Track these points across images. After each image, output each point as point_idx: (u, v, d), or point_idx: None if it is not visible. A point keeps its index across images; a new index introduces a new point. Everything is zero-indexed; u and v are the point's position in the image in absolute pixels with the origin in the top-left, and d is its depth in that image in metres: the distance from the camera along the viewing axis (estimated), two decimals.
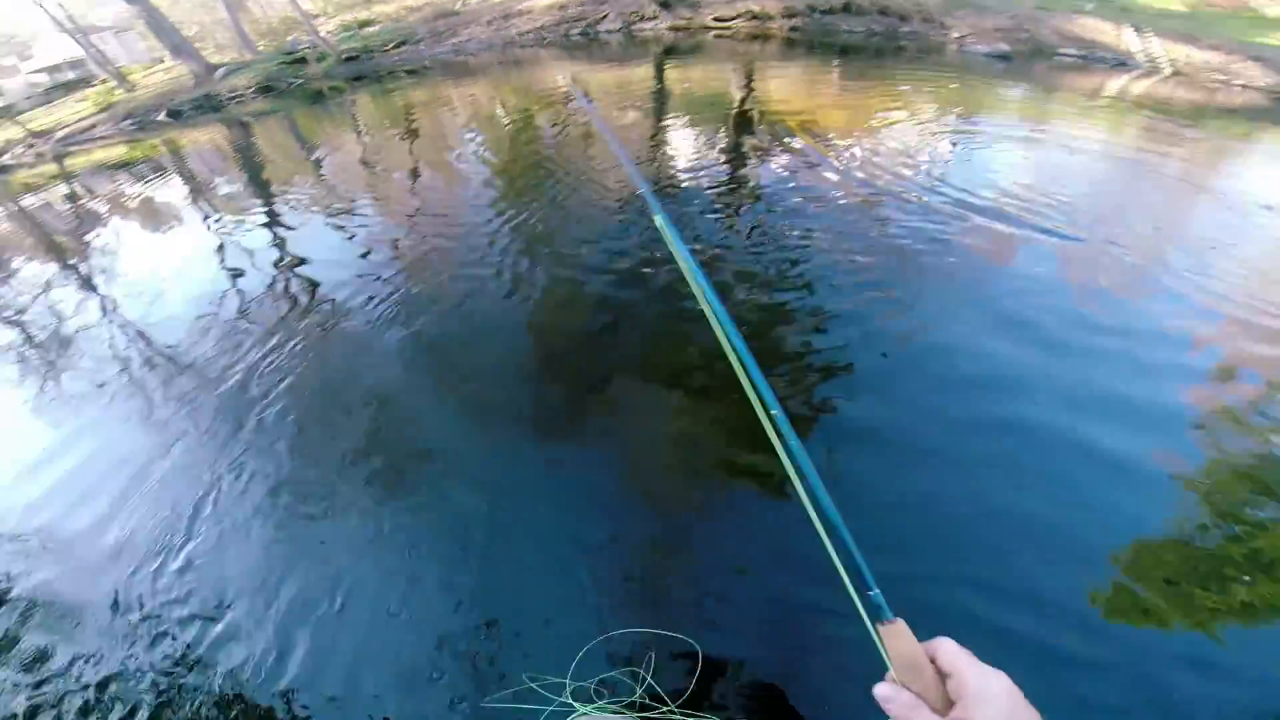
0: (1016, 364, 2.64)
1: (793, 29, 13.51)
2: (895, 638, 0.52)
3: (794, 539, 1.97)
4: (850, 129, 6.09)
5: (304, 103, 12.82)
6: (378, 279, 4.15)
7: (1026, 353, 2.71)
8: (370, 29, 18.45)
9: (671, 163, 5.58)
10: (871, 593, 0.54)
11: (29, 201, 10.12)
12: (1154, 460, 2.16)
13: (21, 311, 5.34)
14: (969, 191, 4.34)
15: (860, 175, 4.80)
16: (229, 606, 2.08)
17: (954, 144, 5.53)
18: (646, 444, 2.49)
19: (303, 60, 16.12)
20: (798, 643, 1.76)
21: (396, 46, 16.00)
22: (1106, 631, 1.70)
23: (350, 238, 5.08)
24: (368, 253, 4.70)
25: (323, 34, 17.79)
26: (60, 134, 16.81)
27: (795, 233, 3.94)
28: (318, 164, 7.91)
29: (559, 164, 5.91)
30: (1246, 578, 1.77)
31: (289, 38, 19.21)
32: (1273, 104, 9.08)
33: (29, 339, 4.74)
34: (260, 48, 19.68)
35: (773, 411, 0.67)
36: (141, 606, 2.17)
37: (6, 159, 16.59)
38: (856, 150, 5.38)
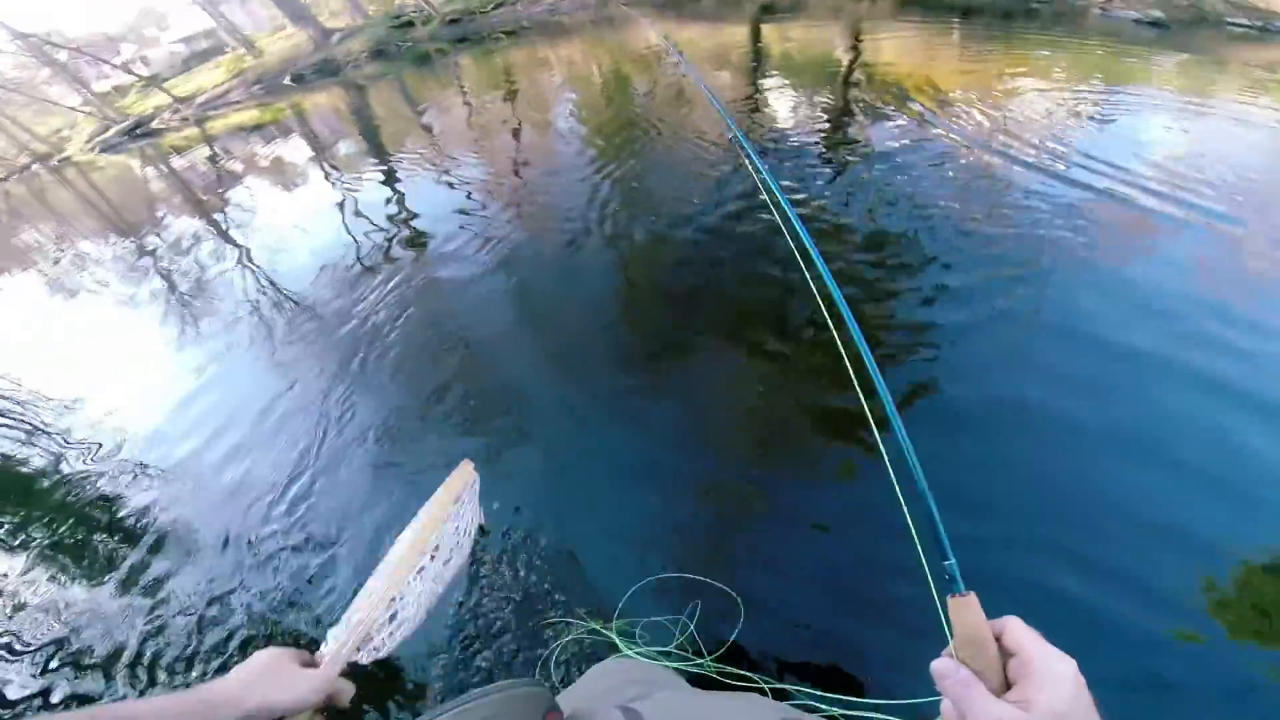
0: (1151, 352, 2.41)
1: None
2: (963, 611, 0.50)
3: (871, 499, 1.92)
4: (971, 93, 5.62)
5: (412, 65, 13.40)
6: (479, 232, 4.39)
7: (1164, 342, 2.46)
8: None
9: (770, 123, 5.44)
10: (947, 562, 0.52)
11: (177, 163, 11.31)
12: None
13: (169, 260, 6.10)
14: (1109, 164, 3.90)
15: (981, 141, 4.46)
16: (334, 541, 2.31)
17: (1093, 113, 4.95)
18: (729, 395, 2.54)
19: (410, 24, 16.76)
20: (854, 609, 1.72)
21: (495, 8, 16.27)
22: (1206, 633, 1.57)
23: (455, 193, 5.36)
24: (471, 207, 4.95)
25: None
26: (200, 99, 18.49)
27: (906, 197, 3.75)
28: (426, 124, 8.32)
29: (653, 121, 5.92)
30: None
31: (396, 2, 19.95)
32: None
33: (174, 285, 5.43)
34: (370, 12, 20.56)
35: (867, 369, 0.64)
36: (253, 538, 2.42)
37: (156, 124, 18.49)
38: (978, 115, 5.00)
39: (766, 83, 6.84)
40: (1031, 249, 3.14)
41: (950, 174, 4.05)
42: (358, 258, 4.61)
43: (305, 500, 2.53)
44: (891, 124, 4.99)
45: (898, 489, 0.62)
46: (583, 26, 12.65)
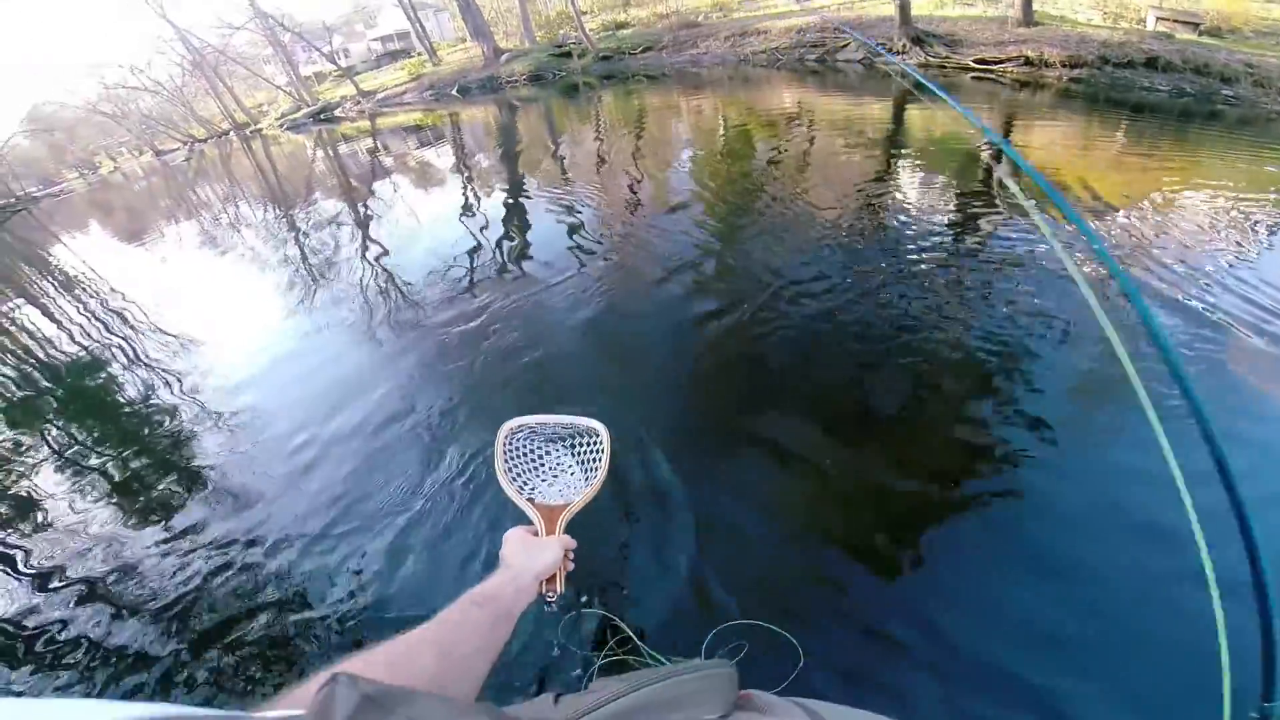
0: None
1: (1074, 80, 11.65)
2: None
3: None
4: (1123, 199, 5.07)
5: (561, 94, 14.17)
6: (586, 265, 4.41)
7: None
8: (625, 31, 19.73)
9: (889, 204, 5.14)
10: (1271, 705, 0.49)
11: (343, 149, 12.55)
12: None
13: (307, 235, 6.68)
14: (1262, 297, 3.36)
15: (1120, 254, 3.99)
16: (374, 529, 2.27)
17: (1262, 236, 4.35)
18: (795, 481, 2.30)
19: (568, 54, 17.80)
20: None
21: (643, 51, 16.93)
22: None
23: (571, 222, 5.46)
24: (584, 240, 5.01)
25: (588, 31, 19.43)
26: (380, 95, 20.56)
27: (1013, 305, 3.36)
28: (561, 152, 8.68)
29: (773, 186, 5.79)
30: None
31: (560, 32, 21.31)
32: None
33: (305, 257, 5.92)
34: (538, 38, 22.08)
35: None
36: (327, 511, 2.45)
37: (339, 111, 20.73)
38: (1127, 226, 4.49)
39: (899, 162, 6.51)
40: None
41: (1071, 285, 3.57)
42: (471, 266, 4.81)
43: (347, 480, 2.59)
44: (1017, 226, 4.54)
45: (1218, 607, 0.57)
46: (719, 81, 12.79)
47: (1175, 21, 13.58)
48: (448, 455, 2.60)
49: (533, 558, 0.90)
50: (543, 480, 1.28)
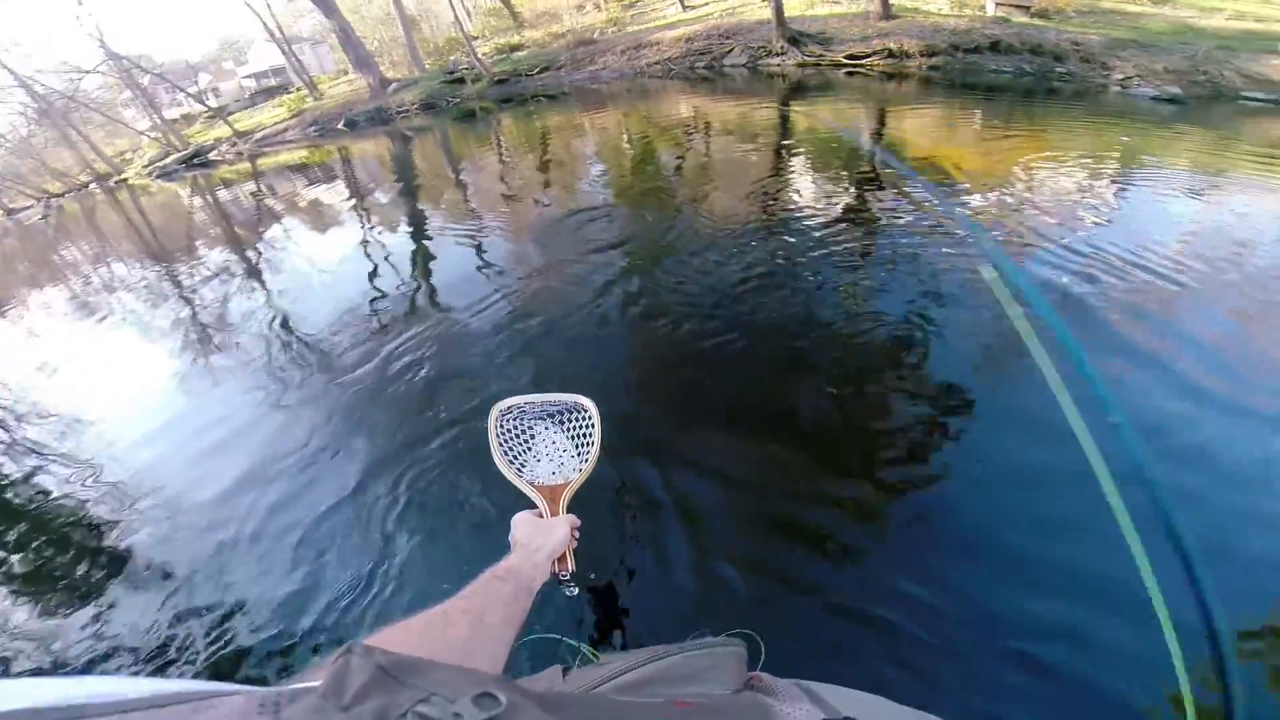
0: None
1: (932, 68, 12.80)
2: None
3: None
4: (990, 175, 5.66)
5: (457, 121, 13.94)
6: (499, 295, 4.35)
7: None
8: (519, 54, 19.72)
9: (787, 199, 5.44)
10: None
11: (223, 194, 11.77)
12: None
13: (194, 290, 6.22)
14: (1122, 248, 3.88)
15: (996, 225, 4.43)
16: (321, 586, 2.22)
17: (1110, 196, 4.99)
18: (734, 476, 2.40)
19: (461, 80, 17.53)
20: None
21: (540, 71, 16.98)
22: None
23: (480, 252, 5.39)
24: (494, 268, 4.96)
25: (480, 55, 19.25)
26: (258, 135, 19.40)
27: (915, 283, 3.67)
28: (461, 180, 8.53)
29: (680, 193, 5.98)
30: None
31: (451, 58, 20.97)
32: None
33: (195, 315, 5.51)
34: (427, 66, 21.63)
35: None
36: (236, 565, 2.38)
37: (213, 155, 19.39)
38: (993, 198, 5.00)
39: (789, 160, 6.89)
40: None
41: (961, 255, 3.95)
42: (377, 307, 4.62)
43: (278, 539, 2.47)
44: (904, 209, 4.93)
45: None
46: (619, 95, 13.06)
47: (1011, 5, 15.21)
48: (389, 503, 2.52)
49: (544, 537, 0.93)
50: (538, 460, 1.30)
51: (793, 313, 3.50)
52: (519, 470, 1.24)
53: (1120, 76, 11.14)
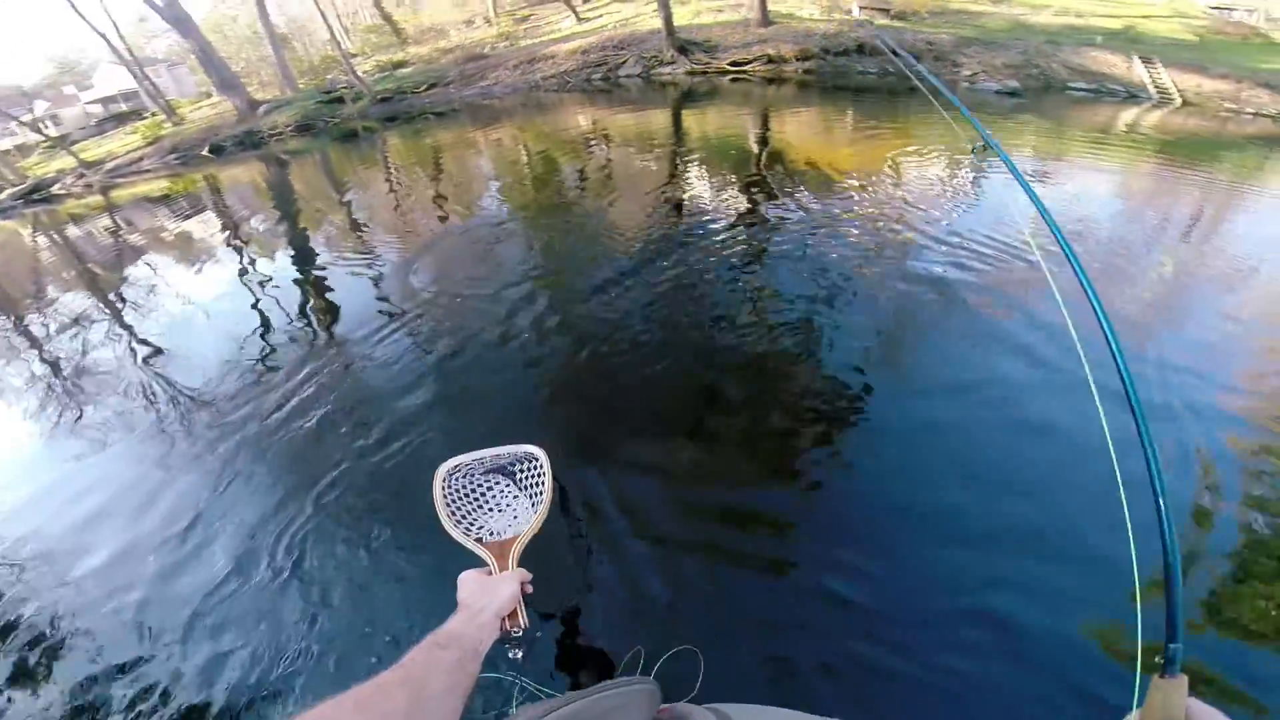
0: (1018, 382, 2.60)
1: (807, 72, 13.77)
2: (1171, 693, 0.51)
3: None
4: (865, 171, 6.19)
5: (338, 142, 13.28)
6: (398, 320, 4.20)
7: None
8: (404, 70, 19.13)
9: (686, 206, 5.65)
10: (1174, 645, 0.54)
11: (73, 232, 10.55)
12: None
13: (51, 342, 5.53)
14: (979, 232, 4.43)
15: (873, 217, 4.85)
16: (231, 647, 2.05)
17: (967, 184, 5.67)
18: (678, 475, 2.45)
19: (340, 100, 16.73)
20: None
21: (428, 88, 16.55)
22: None
23: (375, 277, 5.16)
24: (390, 292, 4.77)
25: (360, 74, 18.48)
26: (109, 165, 17.55)
27: (807, 275, 3.97)
28: (347, 204, 8.13)
29: (584, 203, 6.03)
30: None
31: (328, 76, 19.99)
32: None
33: (57, 370, 4.90)
34: (301, 86, 20.47)
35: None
36: (140, 634, 2.19)
37: (57, 188, 17.33)
38: (870, 192, 5.47)
39: (685, 165, 7.15)
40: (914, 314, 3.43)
41: (845, 249, 4.33)
42: (266, 348, 4.27)
43: (177, 602, 2.27)
44: (792, 207, 5.28)
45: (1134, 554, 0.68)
46: (514, 110, 12.99)
47: (873, 9, 16.66)
48: (290, 557, 2.37)
49: (490, 595, 0.90)
50: (488, 515, 1.28)
51: (702, 318, 3.63)
52: (466, 530, 1.22)
53: (968, 73, 12.57)
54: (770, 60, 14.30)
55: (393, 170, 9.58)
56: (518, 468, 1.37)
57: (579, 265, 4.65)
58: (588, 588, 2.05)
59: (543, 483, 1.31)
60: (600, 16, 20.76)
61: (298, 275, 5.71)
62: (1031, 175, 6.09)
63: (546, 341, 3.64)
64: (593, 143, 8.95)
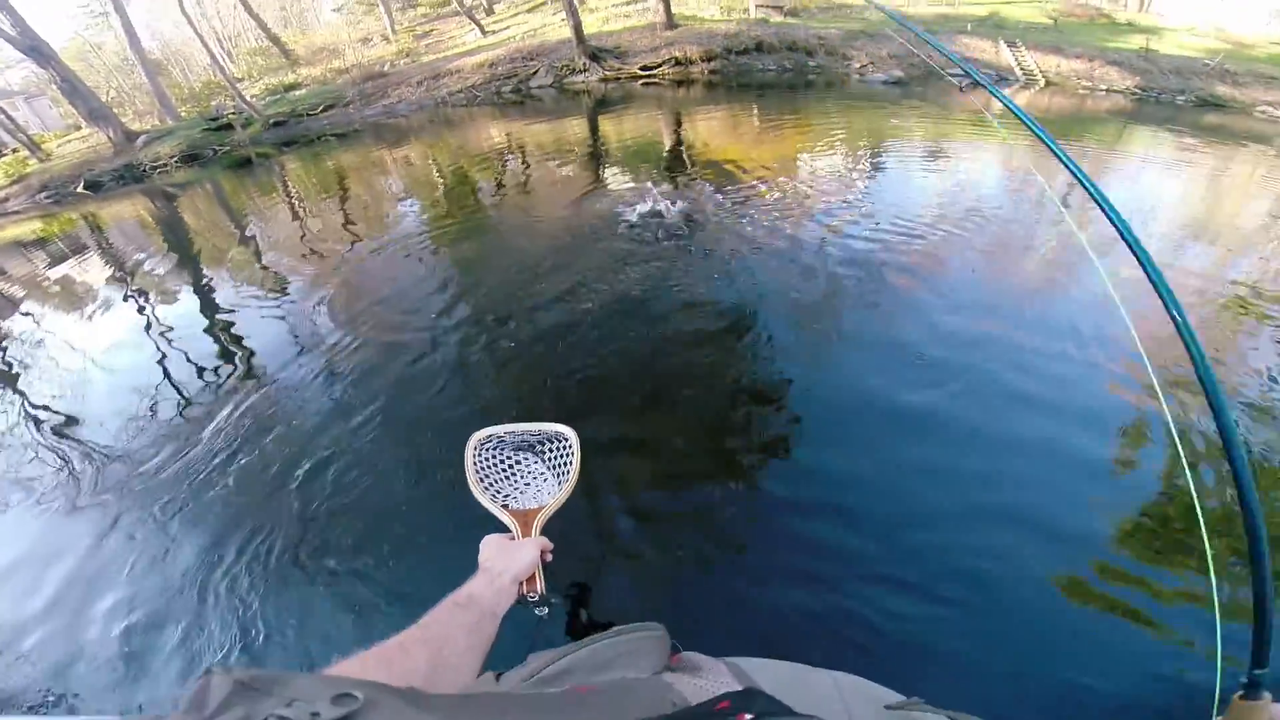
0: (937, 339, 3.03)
1: (713, 72, 14.46)
2: (1249, 715, 0.53)
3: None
4: (773, 165, 6.70)
5: (231, 170, 12.76)
6: (314, 352, 4.17)
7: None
8: (297, 92, 18.55)
9: (609, 209, 5.90)
10: (1260, 671, 0.56)
11: None
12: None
13: None
14: (880, 215, 5.04)
15: (785, 208, 5.36)
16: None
17: (865, 172, 6.28)
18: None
19: (228, 126, 16.05)
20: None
21: (325, 110, 16.13)
22: None
23: (286, 310, 5.07)
24: (302, 325, 4.71)
25: (248, 98, 17.79)
26: None
27: (730, 265, 4.37)
28: (248, 236, 7.89)
29: (504, 219, 6.16)
30: None
31: (213, 103, 19.09)
32: (1134, 105, 10.59)
33: None
34: (183, 114, 19.47)
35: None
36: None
37: None
38: (781, 184, 5.99)
39: (605, 171, 7.41)
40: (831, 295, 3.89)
41: (763, 239, 4.78)
42: (178, 395, 4.07)
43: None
44: (711, 203, 5.68)
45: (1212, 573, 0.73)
46: (421, 128, 12.91)
47: (769, 6, 17.67)
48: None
49: (510, 559, 0.94)
50: (515, 487, 1.35)
51: (637, 315, 3.86)
52: (493, 496, 1.29)
53: (858, 65, 13.67)
54: (678, 63, 14.91)
55: (294, 197, 9.35)
56: (547, 446, 1.44)
57: (507, 279, 4.76)
58: (602, 559, 2.26)
59: (570, 461, 1.38)
60: (507, 28, 20.89)
61: (202, 316, 5.53)
62: (926, 158, 6.77)
63: (474, 357, 3.75)
64: (509, 156, 9.09)
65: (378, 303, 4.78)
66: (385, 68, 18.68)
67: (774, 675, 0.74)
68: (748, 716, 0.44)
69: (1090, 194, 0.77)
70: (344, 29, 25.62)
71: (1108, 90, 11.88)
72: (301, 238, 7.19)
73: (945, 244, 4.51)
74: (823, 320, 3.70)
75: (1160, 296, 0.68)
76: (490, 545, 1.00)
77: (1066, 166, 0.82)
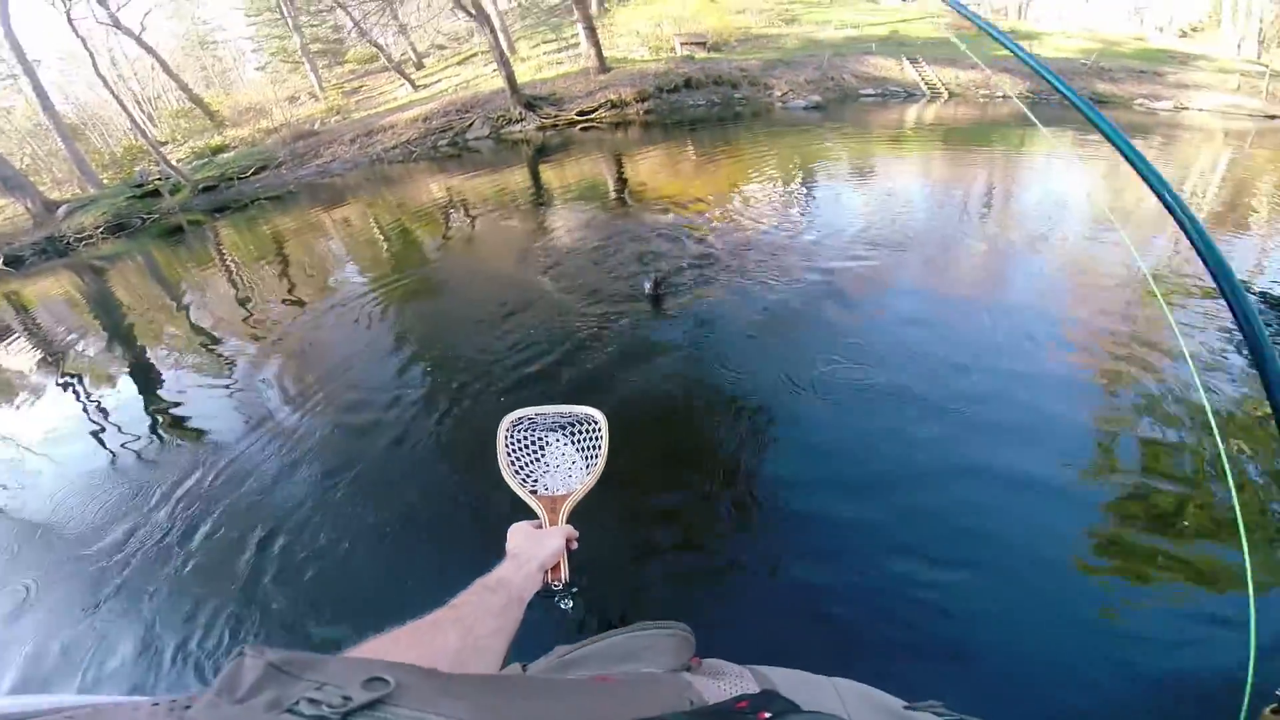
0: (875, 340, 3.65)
1: (647, 112, 15.25)
2: None
3: None
4: (712, 198, 7.39)
5: (162, 240, 12.64)
6: (266, 424, 4.27)
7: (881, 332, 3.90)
8: (225, 155, 18.50)
9: (559, 256, 6.29)
10: None
11: None
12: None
13: None
14: (827, 233, 5.75)
15: (727, 238, 5.96)
16: None
17: (800, 198, 7.15)
18: None
19: (155, 193, 15.88)
20: None
21: (256, 172, 16.15)
22: None
23: (233, 383, 5.16)
24: (252, 396, 4.80)
25: (174, 162, 17.66)
26: None
27: (684, 299, 4.86)
28: (186, 308, 7.91)
29: (441, 279, 6.40)
30: None
31: (136, 168, 18.83)
32: (1030, 109, 12.10)
33: None
34: (104, 180, 19.11)
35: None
36: None
37: None
38: (721, 215, 6.64)
39: (551, 220, 7.79)
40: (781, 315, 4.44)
41: (710, 271, 5.34)
42: (122, 480, 4.08)
43: None
44: (659, 240, 6.20)
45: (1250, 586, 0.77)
46: (358, 187, 13.10)
47: (692, 44, 18.82)
48: None
49: (538, 547, 0.97)
50: (544, 471, 1.39)
51: (601, 363, 4.16)
52: (523, 481, 1.34)
53: (779, 94, 14.80)
54: (614, 105, 15.67)
55: (232, 265, 9.40)
56: (577, 428, 1.47)
57: (459, 332, 5.03)
58: (629, 552, 2.50)
59: (599, 446, 1.40)
60: (438, 81, 21.44)
61: (143, 399, 5.48)
62: (853, 176, 7.56)
63: (434, 412, 3.96)
64: (451, 210, 9.40)
65: (326, 372, 4.92)
66: (316, 126, 18.88)
67: (784, 679, 0.76)
68: (766, 715, 0.45)
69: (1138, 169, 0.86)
70: (269, 88, 25.67)
71: (1004, 96, 13.32)
72: (243, 308, 7.28)
73: (886, 258, 5.21)
74: (791, 330, 4.24)
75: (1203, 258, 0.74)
76: (519, 533, 1.05)
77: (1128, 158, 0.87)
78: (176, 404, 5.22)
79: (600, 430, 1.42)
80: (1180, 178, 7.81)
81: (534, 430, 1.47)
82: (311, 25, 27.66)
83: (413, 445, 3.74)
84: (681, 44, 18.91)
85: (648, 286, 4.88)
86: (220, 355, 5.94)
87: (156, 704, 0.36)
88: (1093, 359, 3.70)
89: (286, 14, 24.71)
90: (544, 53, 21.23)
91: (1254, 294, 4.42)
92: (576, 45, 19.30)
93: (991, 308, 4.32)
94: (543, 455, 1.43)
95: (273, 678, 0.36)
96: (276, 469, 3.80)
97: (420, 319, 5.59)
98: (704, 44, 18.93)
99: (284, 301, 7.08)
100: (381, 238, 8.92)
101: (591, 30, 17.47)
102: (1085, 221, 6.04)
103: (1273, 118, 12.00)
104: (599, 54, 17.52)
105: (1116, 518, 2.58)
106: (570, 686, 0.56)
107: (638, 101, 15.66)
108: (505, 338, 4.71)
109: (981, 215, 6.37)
